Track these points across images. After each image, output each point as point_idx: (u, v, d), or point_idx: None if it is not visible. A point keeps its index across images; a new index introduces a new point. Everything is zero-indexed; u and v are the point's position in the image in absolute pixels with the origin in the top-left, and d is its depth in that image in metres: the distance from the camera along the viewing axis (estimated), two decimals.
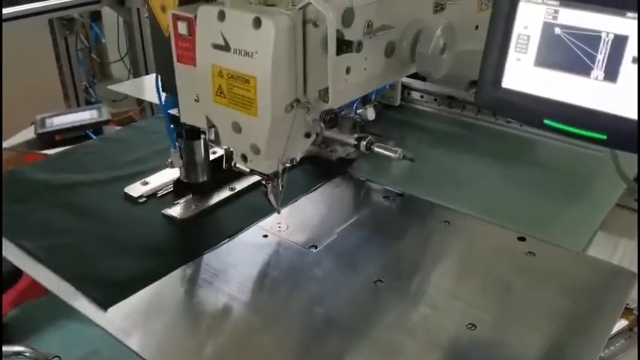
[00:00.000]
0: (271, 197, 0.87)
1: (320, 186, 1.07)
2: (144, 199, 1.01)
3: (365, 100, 1.12)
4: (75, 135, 2.12)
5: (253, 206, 0.98)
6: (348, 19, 0.75)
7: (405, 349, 0.72)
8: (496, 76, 0.76)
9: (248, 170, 0.84)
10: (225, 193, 1.02)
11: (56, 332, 0.88)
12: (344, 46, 0.73)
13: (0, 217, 0.94)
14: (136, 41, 2.73)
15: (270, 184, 0.85)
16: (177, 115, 0.88)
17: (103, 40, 2.95)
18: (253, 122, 0.75)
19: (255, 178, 0.95)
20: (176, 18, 0.78)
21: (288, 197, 0.96)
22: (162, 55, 0.86)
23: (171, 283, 0.82)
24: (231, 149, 0.85)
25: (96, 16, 2.61)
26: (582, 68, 0.71)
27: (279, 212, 0.90)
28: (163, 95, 0.91)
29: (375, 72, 0.87)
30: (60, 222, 0.95)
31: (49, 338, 0.87)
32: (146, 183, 1.04)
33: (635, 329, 0.93)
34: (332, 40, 0.71)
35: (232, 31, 0.72)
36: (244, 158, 0.81)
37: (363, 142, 1.00)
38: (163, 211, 0.97)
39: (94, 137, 2.13)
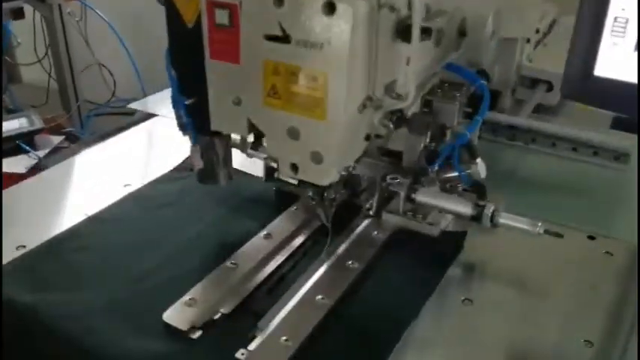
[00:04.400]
0: (321, 212, 0.76)
1: (435, 287, 0.75)
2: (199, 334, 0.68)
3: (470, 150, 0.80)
4: (5, 147, 1.89)
5: None
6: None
7: None
8: (586, 63, 0.68)
9: (296, 183, 0.72)
10: None
11: None
12: (424, 33, 0.63)
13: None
14: (58, 41, 2.48)
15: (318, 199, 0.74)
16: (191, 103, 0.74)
17: (19, 40, 2.66)
18: (318, 126, 0.63)
19: None
20: (213, 5, 0.65)
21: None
22: (180, 51, 0.72)
23: None
24: (273, 159, 0.73)
25: (16, 15, 2.34)
26: None
27: (329, 228, 0.79)
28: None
29: (425, 63, 0.77)
30: None
31: None
32: (193, 300, 0.71)
33: None
34: (416, 27, 0.61)
35: (294, 18, 0.60)
36: (294, 168, 0.69)
37: (487, 213, 0.75)
38: None
39: (30, 150, 1.90)
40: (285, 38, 0.61)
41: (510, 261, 0.80)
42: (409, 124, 0.69)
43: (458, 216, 0.79)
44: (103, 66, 2.87)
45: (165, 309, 0.69)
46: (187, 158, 0.78)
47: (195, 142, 0.77)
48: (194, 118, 0.75)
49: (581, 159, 1.05)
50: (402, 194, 0.79)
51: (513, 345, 0.68)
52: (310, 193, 0.75)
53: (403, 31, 0.62)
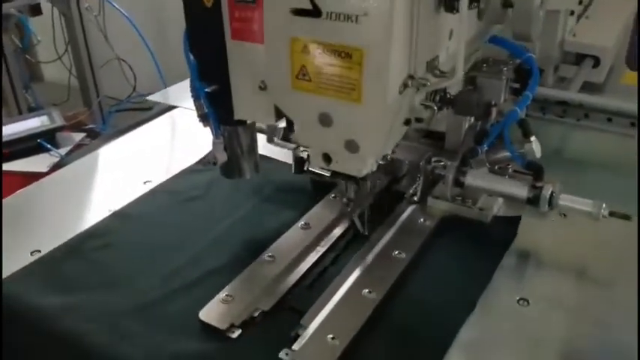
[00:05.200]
0: (357, 220, 0.70)
1: (489, 279, 0.68)
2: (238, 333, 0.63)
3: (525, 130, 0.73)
4: (26, 146, 1.85)
5: None
6: None
7: None
8: None
9: (328, 174, 0.66)
10: None
11: None
12: (473, 1, 0.55)
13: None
14: (77, 37, 2.44)
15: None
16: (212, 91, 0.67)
17: (39, 38, 2.63)
18: (354, 111, 0.56)
19: None
20: None
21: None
22: (199, 33, 0.66)
23: None
24: (304, 148, 0.66)
25: (34, 12, 2.31)
26: None
27: (366, 234, 0.72)
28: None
29: (469, 37, 0.70)
30: None
31: None
32: (230, 297, 0.66)
33: None
34: None
35: None
36: (327, 159, 0.62)
37: (546, 195, 0.68)
38: None
39: (51, 148, 1.87)
40: (314, 11, 0.54)
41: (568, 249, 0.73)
42: (455, 103, 0.62)
43: (511, 199, 0.72)
44: (123, 61, 2.83)
45: (200, 307, 0.64)
46: (210, 152, 0.71)
47: (217, 134, 0.71)
48: (216, 108, 0.69)
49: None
50: (450, 178, 0.73)
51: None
52: (345, 200, 0.69)
53: (449, 0, 0.55)
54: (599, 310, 0.64)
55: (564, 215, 0.77)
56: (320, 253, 0.73)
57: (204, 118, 0.73)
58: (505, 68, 0.72)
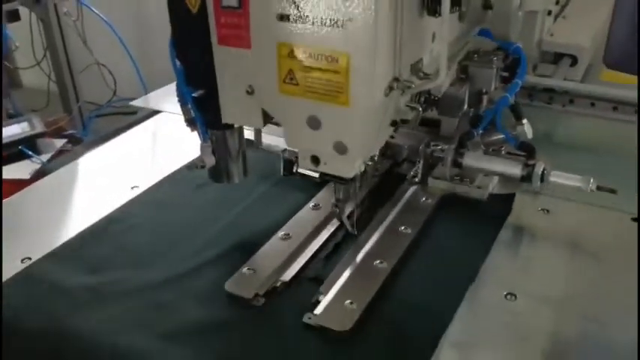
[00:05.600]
0: (346, 221, 0.74)
1: (489, 249, 0.74)
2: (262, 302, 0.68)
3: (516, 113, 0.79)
4: (7, 153, 1.84)
5: None
6: None
7: None
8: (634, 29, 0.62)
9: (317, 176, 0.67)
10: None
11: None
12: (454, 5, 0.57)
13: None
14: (56, 42, 2.42)
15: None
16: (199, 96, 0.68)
17: (17, 44, 2.61)
18: (342, 113, 0.57)
19: None
20: None
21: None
22: (185, 39, 0.66)
23: None
24: (290, 151, 0.67)
25: (12, 18, 2.28)
26: None
27: (355, 234, 0.75)
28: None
29: (450, 39, 0.71)
30: None
31: None
32: (252, 270, 0.71)
33: None
34: None
35: None
36: (315, 161, 0.64)
37: (538, 172, 0.73)
38: None
39: (33, 155, 1.85)
40: (300, 17, 0.55)
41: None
42: (438, 105, 0.63)
43: (505, 178, 0.78)
44: (103, 65, 2.81)
45: (224, 281, 0.69)
46: (197, 156, 0.71)
47: (205, 138, 0.71)
48: (203, 113, 0.69)
49: (622, 118, 1.03)
50: (449, 159, 0.78)
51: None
52: (333, 200, 0.72)
53: (431, 3, 0.56)
54: (588, 303, 0.66)
55: (547, 211, 0.80)
56: (331, 231, 0.77)
57: (191, 123, 0.73)
58: (495, 58, 0.77)
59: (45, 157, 1.89)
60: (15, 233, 0.79)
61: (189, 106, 0.71)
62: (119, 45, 2.60)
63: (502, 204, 0.81)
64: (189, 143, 0.77)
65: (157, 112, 1.12)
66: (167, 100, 1.11)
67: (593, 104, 1.05)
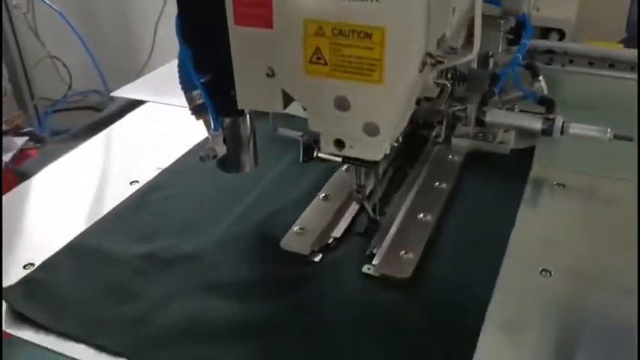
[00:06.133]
0: (367, 206, 0.73)
1: (521, 195, 0.79)
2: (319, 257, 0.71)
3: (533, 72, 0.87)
4: None
5: None
6: None
7: None
8: None
9: (340, 160, 0.64)
10: None
11: None
12: None
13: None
14: (6, 37, 2.29)
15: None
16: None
17: None
18: (374, 92, 0.55)
19: None
20: None
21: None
22: (194, 17, 0.62)
23: None
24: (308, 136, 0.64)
25: None
26: None
27: (376, 221, 0.74)
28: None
29: (462, 13, 0.69)
30: None
31: None
32: (303, 229, 0.74)
33: None
34: None
35: None
36: (340, 144, 0.61)
37: (558, 125, 0.77)
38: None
39: None
40: None
41: None
42: (467, 80, 0.61)
43: (524, 132, 0.83)
44: (57, 59, 2.69)
45: (276, 241, 0.72)
46: (208, 146, 0.68)
47: (216, 126, 0.67)
48: (215, 99, 0.65)
49: (619, 75, 1.08)
50: (473, 117, 0.80)
51: None
52: (355, 186, 0.71)
53: None
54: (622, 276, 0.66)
55: (563, 186, 0.81)
56: (368, 190, 0.76)
57: (197, 111, 0.69)
58: (502, 21, 0.80)
59: (7, 157, 1.80)
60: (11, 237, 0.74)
61: (195, 93, 0.67)
62: (73, 36, 2.50)
63: (523, 158, 0.87)
64: (184, 133, 0.74)
65: (141, 102, 1.06)
66: (151, 91, 1.06)
67: (591, 63, 1.10)
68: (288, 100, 0.61)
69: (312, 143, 0.65)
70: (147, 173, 0.86)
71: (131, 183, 0.84)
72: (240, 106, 0.64)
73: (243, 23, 0.58)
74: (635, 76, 1.04)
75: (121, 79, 1.29)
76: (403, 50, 0.52)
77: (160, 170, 0.87)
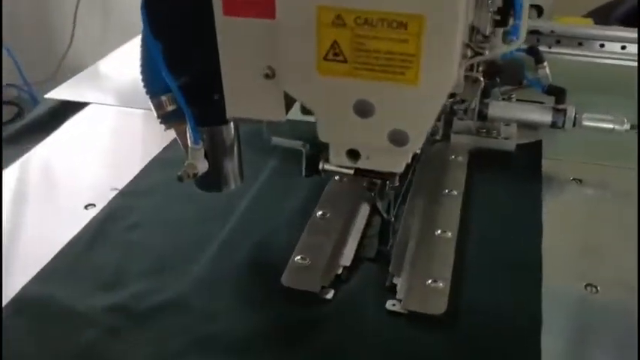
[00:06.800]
0: (381, 206, 0.61)
1: (540, 195, 0.71)
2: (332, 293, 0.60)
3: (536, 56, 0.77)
4: None
5: None
6: None
7: None
8: None
9: (351, 173, 0.54)
10: None
11: None
12: None
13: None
14: None
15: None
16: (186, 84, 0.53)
17: None
18: (407, 94, 0.44)
19: None
20: None
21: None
22: (167, 7, 0.50)
23: None
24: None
25: None
26: None
27: (392, 221, 0.64)
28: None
29: None
30: None
31: None
32: (305, 259, 0.62)
33: None
34: None
35: None
36: (353, 155, 0.51)
37: (571, 116, 0.70)
38: None
39: None
40: None
41: None
42: (502, 74, 0.52)
43: (529, 126, 0.76)
44: None
45: (276, 273, 0.60)
46: (186, 165, 0.55)
47: (197, 139, 0.55)
48: (193, 105, 0.53)
49: (608, 55, 1.06)
50: (475, 110, 0.72)
51: None
52: (366, 184, 0.58)
53: None
54: None
55: (580, 181, 0.74)
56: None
57: (167, 119, 0.57)
58: (490, 1, 0.68)
59: None
60: None
61: (163, 98, 0.55)
62: None
63: (529, 153, 0.78)
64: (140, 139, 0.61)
65: (84, 104, 0.91)
66: (91, 91, 0.91)
67: (580, 44, 1.07)
68: (290, 105, 0.51)
69: (316, 154, 0.55)
70: (104, 195, 0.72)
71: (86, 207, 0.70)
72: (228, 115, 0.52)
73: (236, 13, 0.47)
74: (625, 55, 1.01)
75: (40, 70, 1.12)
76: (445, 43, 0.42)
77: (116, 192, 0.72)
